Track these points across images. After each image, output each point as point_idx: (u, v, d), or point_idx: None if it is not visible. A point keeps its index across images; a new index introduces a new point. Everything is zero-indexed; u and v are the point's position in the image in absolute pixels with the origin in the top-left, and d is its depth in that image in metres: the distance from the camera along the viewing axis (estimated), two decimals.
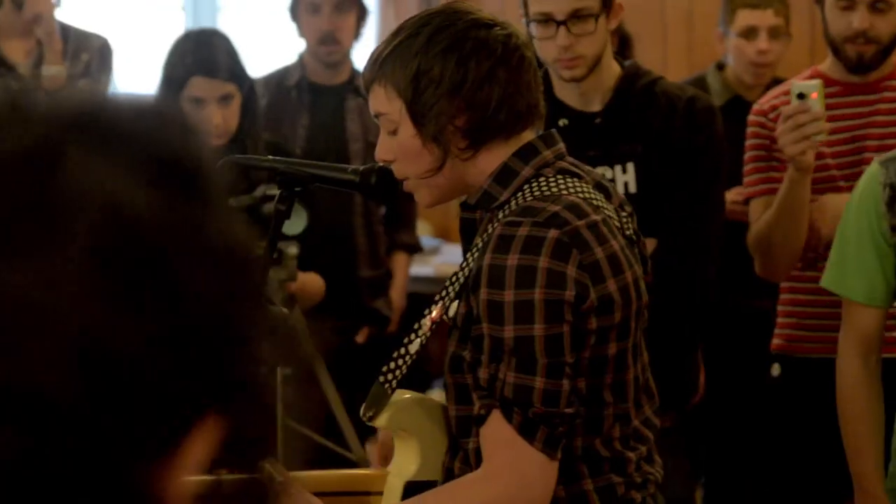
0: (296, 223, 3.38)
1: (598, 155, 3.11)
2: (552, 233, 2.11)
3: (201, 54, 3.76)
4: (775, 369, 3.50)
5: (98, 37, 4.42)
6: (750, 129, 3.47)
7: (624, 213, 2.31)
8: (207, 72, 3.74)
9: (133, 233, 0.77)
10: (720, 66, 4.30)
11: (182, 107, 0.82)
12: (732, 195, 3.63)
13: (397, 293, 4.57)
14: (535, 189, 2.20)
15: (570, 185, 2.21)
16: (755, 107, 3.49)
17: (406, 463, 2.32)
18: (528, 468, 2.14)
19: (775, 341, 3.50)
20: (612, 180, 3.15)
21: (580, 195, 2.19)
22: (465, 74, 2.17)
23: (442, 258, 5.71)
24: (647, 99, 3.15)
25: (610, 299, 2.14)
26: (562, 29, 3.02)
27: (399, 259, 4.63)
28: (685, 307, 3.20)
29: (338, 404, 3.66)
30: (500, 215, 2.19)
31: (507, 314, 2.11)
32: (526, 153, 2.23)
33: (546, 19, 3.04)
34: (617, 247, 2.17)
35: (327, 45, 4.40)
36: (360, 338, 4.42)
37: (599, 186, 2.28)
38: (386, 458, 2.43)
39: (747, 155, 3.47)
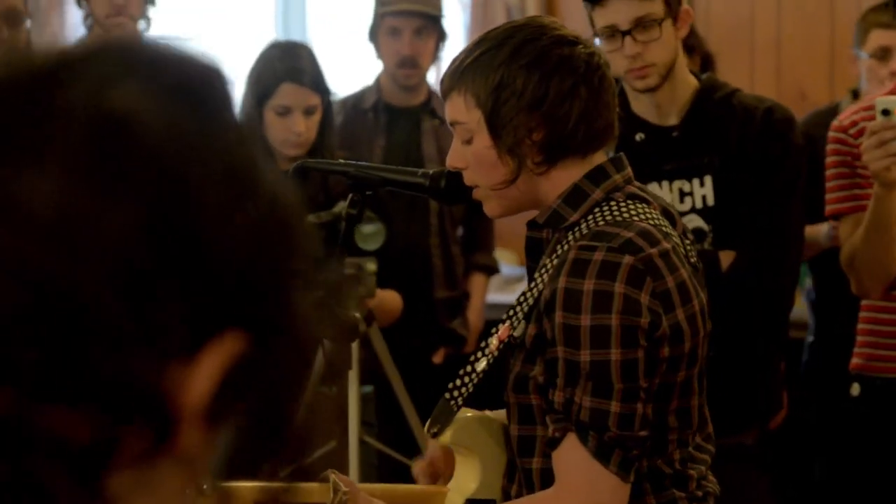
0: (374, 238, 3.39)
1: (675, 168, 3.10)
2: (627, 259, 2.12)
3: (291, 62, 3.81)
4: (855, 389, 3.45)
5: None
6: (830, 147, 3.42)
7: (687, 241, 2.31)
8: (296, 79, 3.78)
9: (137, 139, 0.78)
10: (855, 94, 4.23)
11: (205, 50, 0.85)
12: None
13: (474, 314, 4.56)
14: (606, 213, 2.20)
15: (640, 210, 2.21)
16: (835, 123, 3.45)
17: (466, 480, 2.32)
18: (602, 491, 2.15)
19: (854, 361, 3.46)
20: (691, 193, 3.14)
21: (650, 222, 2.20)
22: (546, 89, 2.18)
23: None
24: (725, 111, 3.13)
25: (680, 328, 2.16)
26: (628, 38, 3.02)
27: (476, 280, 4.62)
28: (763, 320, 3.17)
29: (415, 422, 3.65)
30: (571, 237, 2.20)
31: (583, 338, 2.12)
32: (597, 175, 2.23)
33: (612, 32, 3.04)
34: (685, 275, 2.18)
35: (406, 68, 4.41)
36: (437, 358, 4.42)
37: (666, 213, 2.27)
38: (433, 476, 2.42)
39: (829, 172, 3.42)
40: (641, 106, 3.16)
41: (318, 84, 3.83)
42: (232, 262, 0.80)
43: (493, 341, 2.25)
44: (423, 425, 3.55)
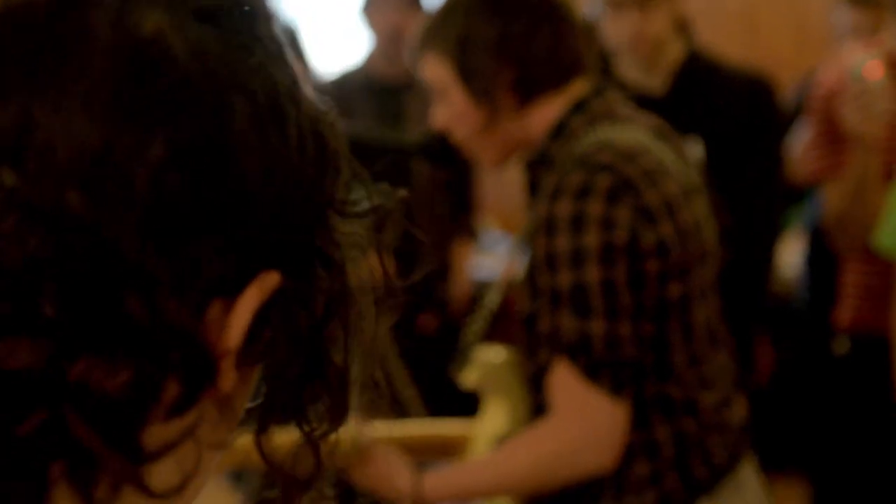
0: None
1: None
2: (604, 177, 2.12)
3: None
4: (842, 345, 3.52)
5: None
6: (811, 112, 3.50)
7: (687, 162, 2.31)
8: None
9: (164, 65, 0.74)
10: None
11: None
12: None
13: (461, 279, 4.63)
14: (587, 138, 2.22)
15: (622, 130, 2.22)
16: (815, 89, 3.52)
17: (495, 424, 2.32)
18: (595, 412, 2.14)
19: (843, 316, 3.52)
20: None
21: (632, 141, 2.20)
22: (509, 31, 2.23)
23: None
24: (711, 78, 3.20)
25: (665, 242, 2.14)
26: (632, 11, 3.09)
27: (461, 245, 4.68)
28: (752, 284, 3.25)
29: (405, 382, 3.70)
30: (557, 166, 2.22)
31: (562, 262, 2.13)
32: (578, 106, 2.26)
33: (619, 3, 3.12)
34: (674, 191, 2.17)
35: (396, 43, 4.45)
36: (429, 326, 4.47)
37: (659, 133, 2.29)
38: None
39: (809, 135, 3.50)
40: (628, 72, 3.23)
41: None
42: (268, 194, 0.77)
43: (503, 276, 2.27)
44: (409, 388, 3.59)
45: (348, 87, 4.50)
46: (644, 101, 3.19)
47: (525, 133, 2.28)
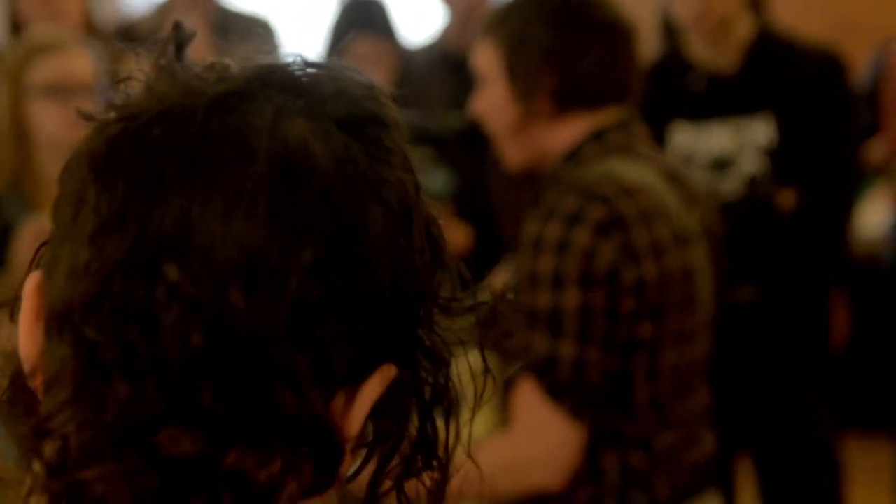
0: (437, 178, 3.45)
1: (733, 111, 3.19)
2: (598, 208, 2.14)
3: (364, 13, 4.02)
4: None
5: (259, 18, 4.57)
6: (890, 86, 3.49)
7: (695, 208, 2.31)
8: (368, 28, 3.99)
9: (311, 175, 0.78)
10: None
11: (358, 67, 0.85)
12: None
13: None
14: (596, 167, 2.24)
15: (631, 166, 2.24)
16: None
17: (477, 424, 2.33)
18: (552, 432, 2.16)
19: None
20: (748, 135, 3.23)
21: (637, 177, 2.21)
22: (563, 40, 2.27)
23: None
24: (783, 55, 3.21)
25: (644, 282, 2.14)
26: None
27: None
28: (826, 254, 3.27)
29: None
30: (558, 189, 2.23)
31: (542, 281, 2.14)
32: (597, 135, 2.29)
33: None
34: (665, 234, 2.18)
35: (470, 19, 4.48)
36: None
37: (671, 175, 2.30)
38: None
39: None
40: (701, 50, 3.25)
41: (389, 33, 4.03)
42: (393, 293, 0.81)
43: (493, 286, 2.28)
44: None
45: (424, 61, 4.55)
46: (714, 80, 3.24)
47: (550, 144, 2.31)
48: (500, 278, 2.31)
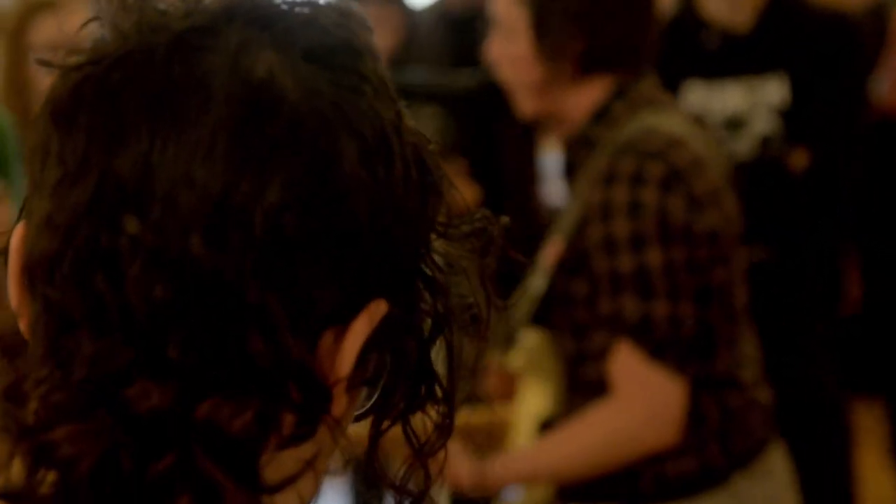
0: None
1: (747, 70, 3.16)
2: (658, 165, 2.16)
3: None
4: None
5: None
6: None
7: (721, 154, 2.35)
8: None
9: (278, 110, 0.75)
10: None
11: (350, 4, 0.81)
12: None
13: None
14: (632, 124, 2.25)
15: (664, 118, 2.26)
16: None
17: (537, 401, 2.34)
18: (658, 391, 2.18)
19: None
20: (761, 93, 3.21)
21: (676, 129, 2.24)
22: (594, 4, 2.26)
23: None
24: (797, 15, 3.19)
25: (714, 230, 2.19)
26: None
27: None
28: (838, 213, 3.26)
29: None
30: (601, 152, 2.24)
31: (622, 246, 2.16)
32: (620, 92, 2.29)
33: None
34: (717, 180, 2.22)
35: None
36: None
37: (697, 122, 2.34)
38: (505, 395, 2.46)
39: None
40: (715, 7, 3.22)
41: None
42: (376, 227, 0.77)
43: (548, 258, 2.29)
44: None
45: (429, 22, 4.53)
46: (728, 38, 3.21)
47: (570, 104, 2.31)
48: (551, 252, 2.28)
